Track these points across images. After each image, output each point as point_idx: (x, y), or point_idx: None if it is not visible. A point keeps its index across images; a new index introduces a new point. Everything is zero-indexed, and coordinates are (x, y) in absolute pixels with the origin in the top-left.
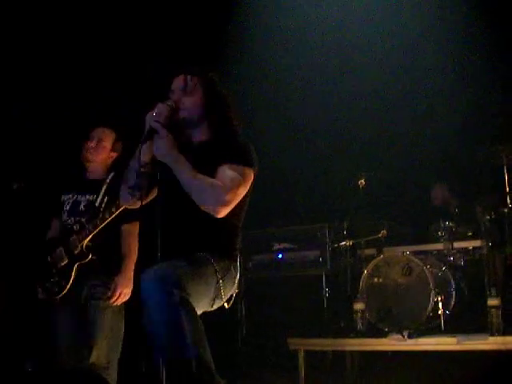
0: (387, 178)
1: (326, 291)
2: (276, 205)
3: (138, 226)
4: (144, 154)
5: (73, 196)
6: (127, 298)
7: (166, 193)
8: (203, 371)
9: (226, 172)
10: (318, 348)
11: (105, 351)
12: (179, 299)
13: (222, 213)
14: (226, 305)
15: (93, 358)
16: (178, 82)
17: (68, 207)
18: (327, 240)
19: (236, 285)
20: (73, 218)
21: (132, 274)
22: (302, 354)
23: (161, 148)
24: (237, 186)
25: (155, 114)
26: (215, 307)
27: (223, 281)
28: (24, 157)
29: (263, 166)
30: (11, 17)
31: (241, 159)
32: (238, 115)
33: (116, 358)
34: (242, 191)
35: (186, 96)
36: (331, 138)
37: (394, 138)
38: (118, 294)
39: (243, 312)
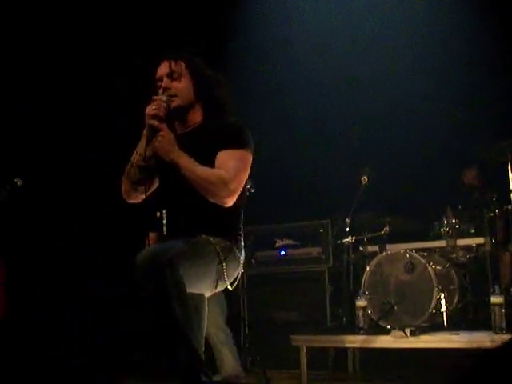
0: (390, 174)
1: (328, 288)
2: (278, 201)
3: None
4: (144, 148)
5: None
6: None
7: (166, 181)
8: (190, 356)
9: (227, 159)
10: (320, 345)
11: None
12: (170, 278)
13: (230, 202)
14: (229, 287)
15: None
16: (163, 69)
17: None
18: (330, 237)
19: (240, 266)
20: None
21: None
22: (303, 351)
23: (162, 146)
24: (240, 172)
25: (153, 109)
26: (219, 289)
27: (226, 262)
28: (28, 153)
29: (265, 162)
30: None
31: (238, 142)
32: (231, 94)
33: None
34: (245, 176)
35: (174, 82)
36: (334, 134)
37: (397, 134)
38: None
39: (246, 308)
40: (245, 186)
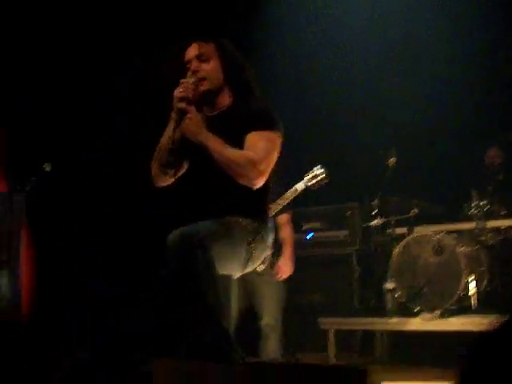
0: (419, 155)
1: (355, 271)
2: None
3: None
4: (173, 131)
5: None
6: None
7: (195, 163)
8: (220, 334)
9: (256, 140)
10: (347, 327)
11: None
12: (202, 259)
13: (259, 184)
14: (258, 268)
15: None
16: (192, 51)
17: None
18: (357, 219)
19: (269, 248)
20: None
21: None
22: (331, 334)
23: (190, 128)
24: (269, 154)
25: (182, 92)
26: (248, 270)
27: (254, 243)
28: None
29: (290, 145)
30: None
31: (267, 124)
32: (257, 78)
33: None
34: (274, 157)
35: (203, 64)
36: (360, 116)
37: (425, 115)
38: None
39: None
40: (273, 168)
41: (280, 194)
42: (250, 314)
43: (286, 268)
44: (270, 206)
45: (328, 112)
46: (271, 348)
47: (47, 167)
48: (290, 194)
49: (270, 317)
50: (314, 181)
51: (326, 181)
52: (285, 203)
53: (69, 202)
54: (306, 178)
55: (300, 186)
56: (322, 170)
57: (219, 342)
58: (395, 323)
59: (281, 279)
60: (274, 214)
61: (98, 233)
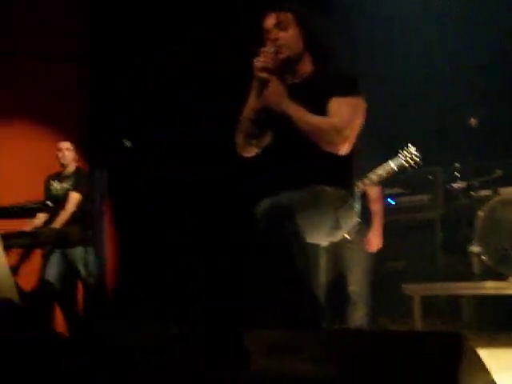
0: (501, 116)
1: (439, 235)
2: (385, 149)
3: None
4: (255, 101)
5: None
6: None
7: (278, 132)
8: (311, 302)
9: (340, 106)
10: (433, 293)
11: None
12: (290, 228)
13: (345, 150)
14: (347, 236)
15: None
16: (270, 20)
17: None
18: (439, 182)
19: (356, 216)
20: None
21: None
22: (417, 300)
23: (271, 97)
24: (354, 119)
25: (262, 61)
26: (337, 238)
27: (341, 211)
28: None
29: (371, 111)
30: None
31: (350, 89)
32: (340, 43)
33: None
34: (359, 123)
35: (281, 32)
36: (440, 81)
37: (507, 73)
38: None
39: None
40: (357, 133)
41: (365, 168)
42: (338, 282)
43: (375, 240)
44: (362, 179)
45: (410, 76)
46: (358, 315)
47: (127, 143)
48: (382, 172)
49: (356, 284)
50: (409, 162)
51: (419, 160)
52: (378, 179)
53: (149, 177)
54: (401, 157)
55: (394, 164)
56: (415, 150)
57: (310, 309)
58: (482, 287)
59: (369, 251)
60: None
61: (181, 208)
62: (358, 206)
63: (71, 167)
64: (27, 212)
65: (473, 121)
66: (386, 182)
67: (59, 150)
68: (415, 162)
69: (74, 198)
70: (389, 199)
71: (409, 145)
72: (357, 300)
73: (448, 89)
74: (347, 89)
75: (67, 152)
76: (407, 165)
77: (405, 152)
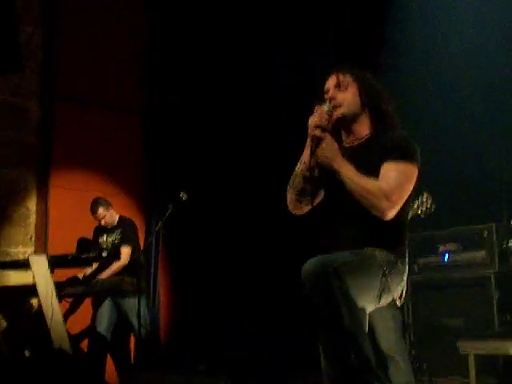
0: None
1: (495, 293)
2: (440, 205)
3: None
4: (309, 158)
5: None
6: None
7: (331, 192)
8: (361, 360)
9: (391, 171)
10: (488, 352)
11: None
12: (338, 288)
13: (391, 215)
14: (398, 302)
15: None
16: (331, 81)
17: None
18: (494, 240)
19: (405, 281)
20: None
21: None
22: (472, 358)
23: (325, 155)
24: (403, 185)
25: (316, 119)
26: (383, 303)
27: (390, 275)
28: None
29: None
30: None
31: (404, 155)
32: (396, 109)
33: None
34: (408, 189)
35: (340, 92)
36: (497, 132)
37: None
38: None
39: (410, 316)
40: (409, 200)
41: None
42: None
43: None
44: None
45: (462, 132)
46: (401, 371)
47: (184, 196)
48: None
49: (386, 341)
50: (421, 209)
51: (433, 208)
52: None
53: (203, 229)
54: (414, 207)
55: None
56: (428, 197)
57: (362, 368)
58: None
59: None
60: None
61: (231, 261)
62: (407, 271)
63: (114, 221)
64: (83, 261)
65: None
66: (441, 239)
67: (96, 218)
68: (427, 209)
69: (126, 252)
70: (443, 256)
71: (423, 193)
72: (395, 356)
73: (506, 142)
74: (400, 154)
75: (104, 217)
76: (420, 212)
77: (419, 200)
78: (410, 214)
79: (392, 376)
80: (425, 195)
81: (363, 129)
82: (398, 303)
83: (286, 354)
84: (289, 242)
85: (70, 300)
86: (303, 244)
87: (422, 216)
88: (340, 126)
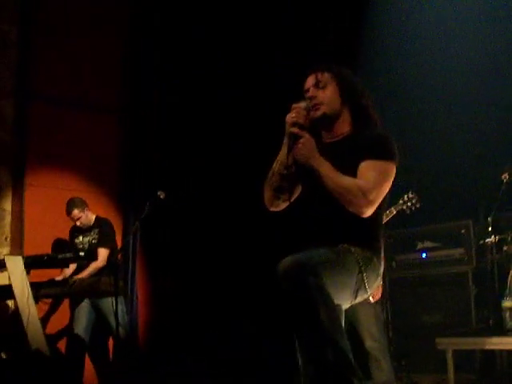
0: None
1: (472, 289)
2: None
3: None
4: (286, 156)
5: None
6: None
7: (308, 189)
8: (340, 359)
9: (370, 169)
10: (466, 347)
11: None
12: (314, 285)
13: (368, 213)
14: (371, 298)
15: None
16: (310, 80)
17: None
18: (472, 237)
19: (380, 278)
20: None
21: None
22: (450, 354)
23: (302, 152)
24: (381, 183)
25: (293, 116)
26: (359, 299)
27: (366, 271)
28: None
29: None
30: None
31: (383, 153)
32: (376, 106)
33: None
34: (386, 188)
35: (319, 91)
36: (473, 133)
37: None
38: None
39: (388, 313)
40: (386, 197)
41: None
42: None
43: (376, 290)
44: None
45: (441, 127)
46: (383, 370)
47: (162, 195)
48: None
49: (371, 338)
50: (406, 205)
51: (418, 205)
52: None
53: (180, 227)
54: (399, 202)
55: (394, 208)
56: (414, 195)
57: (340, 364)
58: None
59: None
60: None
61: (209, 258)
62: (382, 267)
63: (90, 222)
64: (60, 262)
65: (505, 175)
66: (419, 236)
67: (72, 219)
68: (413, 205)
69: (103, 253)
70: (421, 253)
71: (409, 190)
72: (377, 354)
73: (482, 141)
74: (379, 152)
75: (80, 218)
76: (405, 208)
77: (405, 197)
78: (395, 209)
79: (373, 374)
80: (410, 192)
81: (344, 125)
82: (372, 299)
83: (286, 353)
84: (267, 239)
85: (48, 301)
86: (280, 242)
87: (408, 212)
88: (321, 124)
